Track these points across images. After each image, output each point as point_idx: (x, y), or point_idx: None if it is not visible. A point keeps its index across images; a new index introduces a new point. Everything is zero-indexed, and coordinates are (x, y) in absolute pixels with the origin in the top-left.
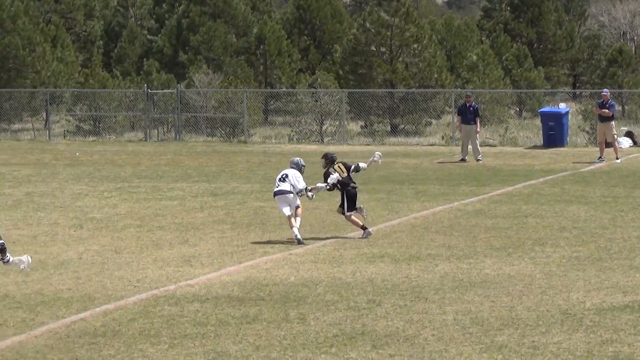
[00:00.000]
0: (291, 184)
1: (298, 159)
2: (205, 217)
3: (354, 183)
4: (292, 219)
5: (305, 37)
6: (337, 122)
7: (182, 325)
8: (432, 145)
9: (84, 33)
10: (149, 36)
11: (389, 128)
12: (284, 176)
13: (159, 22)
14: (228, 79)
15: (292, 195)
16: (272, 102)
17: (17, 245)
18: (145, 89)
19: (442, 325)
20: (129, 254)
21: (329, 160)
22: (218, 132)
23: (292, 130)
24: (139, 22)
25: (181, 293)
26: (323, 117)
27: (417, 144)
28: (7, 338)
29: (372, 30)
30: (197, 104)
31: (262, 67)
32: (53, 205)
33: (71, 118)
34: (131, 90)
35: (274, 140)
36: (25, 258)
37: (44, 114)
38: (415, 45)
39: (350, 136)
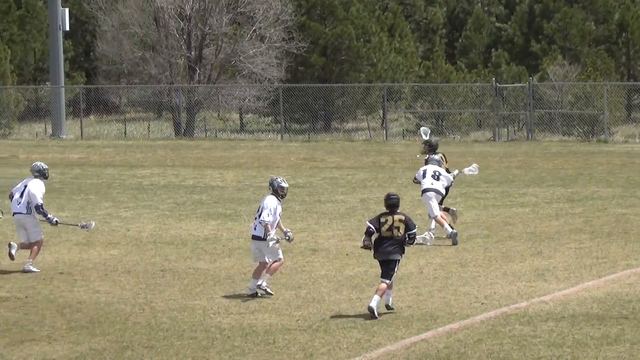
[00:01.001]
0: None
1: None
2: (560, 225)
3: None
4: None
5: None
6: None
7: (535, 347)
8: None
9: (424, 21)
10: (497, 24)
11: None
12: None
13: (508, 8)
14: (586, 71)
15: None
16: (635, 96)
17: (350, 258)
18: (494, 83)
19: None
20: (476, 268)
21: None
22: (575, 130)
23: None
24: (486, 8)
25: (534, 311)
26: None
27: None
28: None
29: None
30: (551, 99)
31: (624, 57)
32: None
33: (411, 116)
34: (478, 84)
35: (637, 140)
36: (428, 235)
37: (381, 112)
38: None
39: None
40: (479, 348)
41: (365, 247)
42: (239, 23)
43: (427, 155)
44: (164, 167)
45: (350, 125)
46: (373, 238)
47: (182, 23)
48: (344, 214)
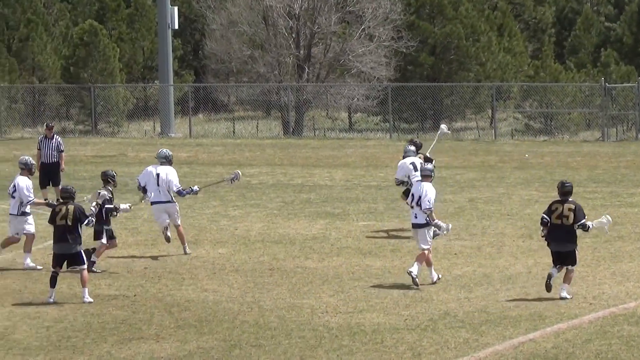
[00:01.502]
0: None
1: None
2: None
3: None
4: None
5: None
6: None
7: None
8: None
9: (533, 20)
10: (606, 23)
11: None
12: None
13: (617, 8)
14: None
15: None
16: None
17: (459, 257)
18: (603, 83)
19: None
20: (584, 268)
21: None
22: None
23: None
24: (595, 8)
25: None
26: None
27: None
28: None
29: None
30: None
31: None
32: (499, 213)
33: (519, 115)
34: (587, 84)
35: None
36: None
37: (489, 111)
38: None
39: None
40: (587, 348)
41: (544, 237)
42: (347, 22)
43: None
44: (272, 166)
45: (458, 124)
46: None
47: (290, 22)
48: (453, 213)
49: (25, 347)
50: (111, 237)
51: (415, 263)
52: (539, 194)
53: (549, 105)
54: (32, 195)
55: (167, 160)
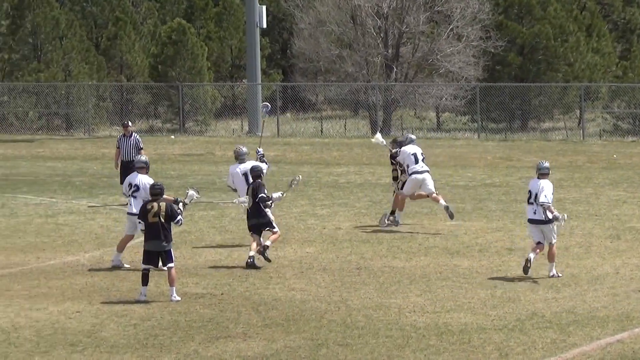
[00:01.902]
0: None
1: None
2: None
3: None
4: None
5: None
6: None
7: None
8: None
9: (622, 21)
10: None
11: None
12: None
13: None
14: None
15: None
16: None
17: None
18: None
19: None
20: None
21: None
22: None
23: None
24: None
25: None
26: None
27: None
28: None
29: None
30: None
31: None
32: (587, 214)
33: (608, 116)
34: None
35: None
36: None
37: (577, 112)
38: None
39: None
40: None
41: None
42: (436, 22)
43: (397, 150)
44: (360, 165)
45: (547, 124)
46: None
47: (379, 21)
48: None
49: (112, 344)
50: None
51: (532, 253)
52: (627, 194)
53: (638, 106)
54: None
55: (246, 157)
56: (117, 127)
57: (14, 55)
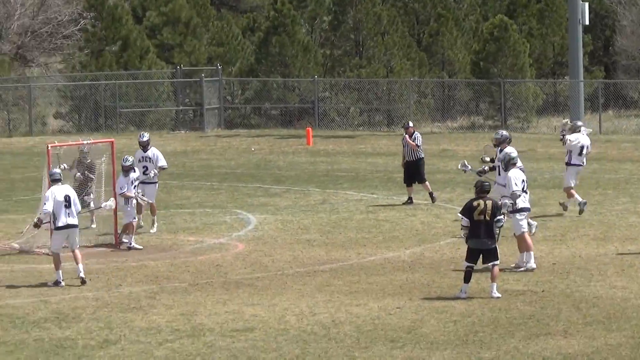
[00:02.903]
0: None
1: None
2: None
3: None
4: None
5: None
6: None
7: None
8: None
9: None
10: None
11: None
12: None
13: None
14: None
15: None
16: None
17: None
18: None
19: None
20: None
21: None
22: None
23: None
24: None
25: None
26: None
27: None
28: None
29: None
30: None
31: None
32: None
33: None
34: None
35: None
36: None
37: None
38: None
39: None
40: None
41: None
42: None
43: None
44: None
45: None
46: None
47: None
48: None
49: (432, 341)
50: None
51: None
52: None
53: None
54: None
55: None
56: (439, 124)
57: (336, 51)
